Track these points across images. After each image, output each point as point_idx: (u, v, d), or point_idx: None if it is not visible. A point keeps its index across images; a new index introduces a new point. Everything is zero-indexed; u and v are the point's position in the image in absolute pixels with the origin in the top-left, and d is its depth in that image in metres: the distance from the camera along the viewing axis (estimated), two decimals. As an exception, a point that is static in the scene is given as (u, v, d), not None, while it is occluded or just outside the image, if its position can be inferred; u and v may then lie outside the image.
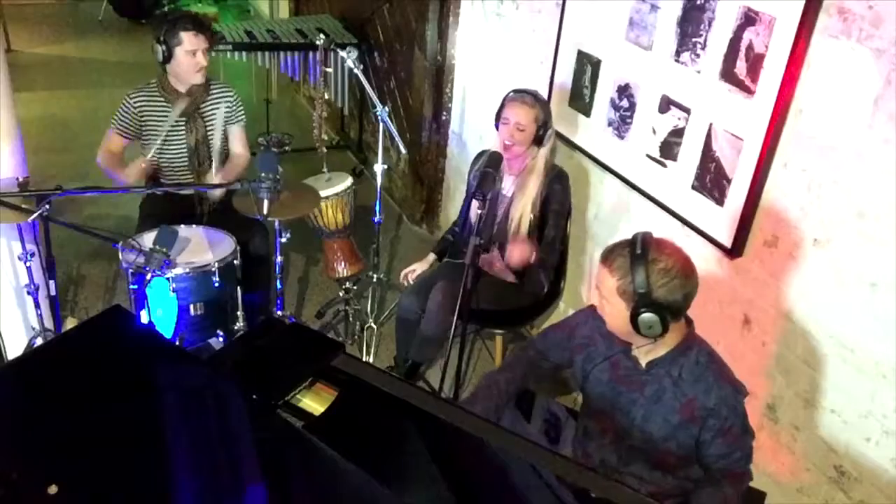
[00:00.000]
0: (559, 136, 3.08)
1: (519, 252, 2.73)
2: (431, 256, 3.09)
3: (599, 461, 2.03)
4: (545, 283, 2.93)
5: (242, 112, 3.24)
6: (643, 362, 1.90)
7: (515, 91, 2.74)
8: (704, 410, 1.81)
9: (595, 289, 1.84)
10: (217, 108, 3.13)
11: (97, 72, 6.30)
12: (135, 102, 3.03)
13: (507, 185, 2.85)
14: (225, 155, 3.24)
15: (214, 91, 3.14)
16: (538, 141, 2.72)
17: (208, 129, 3.12)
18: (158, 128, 3.04)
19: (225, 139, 3.21)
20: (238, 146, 3.26)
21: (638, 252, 1.71)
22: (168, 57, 2.95)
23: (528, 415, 2.50)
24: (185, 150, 3.09)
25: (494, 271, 2.96)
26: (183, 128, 3.07)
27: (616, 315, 1.80)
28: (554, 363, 2.18)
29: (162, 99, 3.04)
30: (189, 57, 2.95)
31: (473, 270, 2.32)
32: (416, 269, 3.03)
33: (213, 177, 3.07)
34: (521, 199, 2.78)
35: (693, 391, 1.83)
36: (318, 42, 3.56)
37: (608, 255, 1.78)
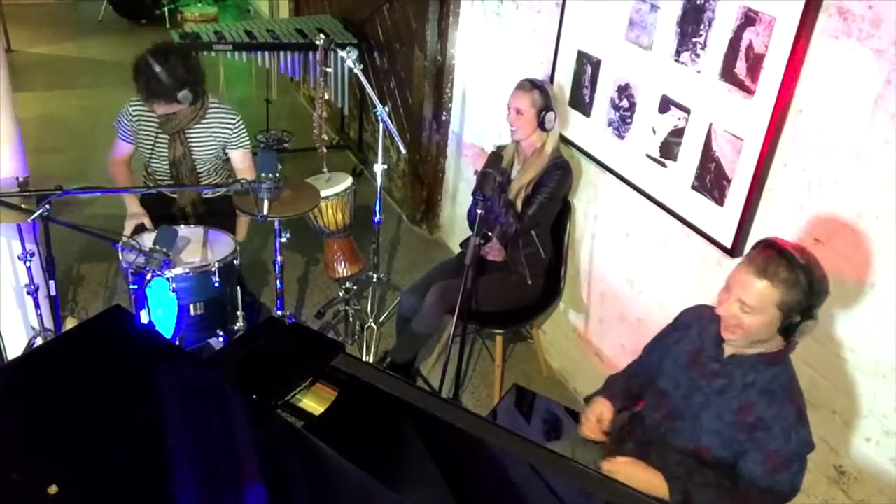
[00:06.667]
0: (560, 136, 3.08)
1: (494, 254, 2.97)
2: None
3: (644, 431, 2.03)
4: (524, 267, 2.93)
5: (245, 139, 3.14)
6: (727, 353, 1.88)
7: (521, 80, 2.86)
8: (758, 420, 1.77)
9: (736, 302, 1.76)
10: (209, 133, 3.06)
11: (97, 72, 6.30)
12: (133, 111, 3.04)
13: (516, 171, 2.92)
14: (220, 170, 3.21)
15: (210, 116, 3.05)
16: (541, 125, 2.78)
17: (192, 149, 3.06)
18: (147, 138, 3.06)
19: (221, 158, 3.17)
20: (242, 170, 3.19)
21: (800, 262, 1.70)
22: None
23: (528, 415, 2.50)
24: (167, 164, 3.08)
25: (490, 255, 3.01)
26: (166, 143, 3.05)
27: (763, 325, 1.75)
28: (646, 374, 2.17)
29: (152, 112, 3.01)
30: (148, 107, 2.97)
31: (474, 268, 2.32)
32: None
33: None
34: (521, 179, 2.85)
35: (756, 399, 1.80)
36: (318, 42, 3.55)
37: (766, 268, 1.71)
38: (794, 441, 1.75)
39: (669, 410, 1.97)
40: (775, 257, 1.71)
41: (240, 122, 3.11)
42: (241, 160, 3.18)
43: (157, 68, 2.84)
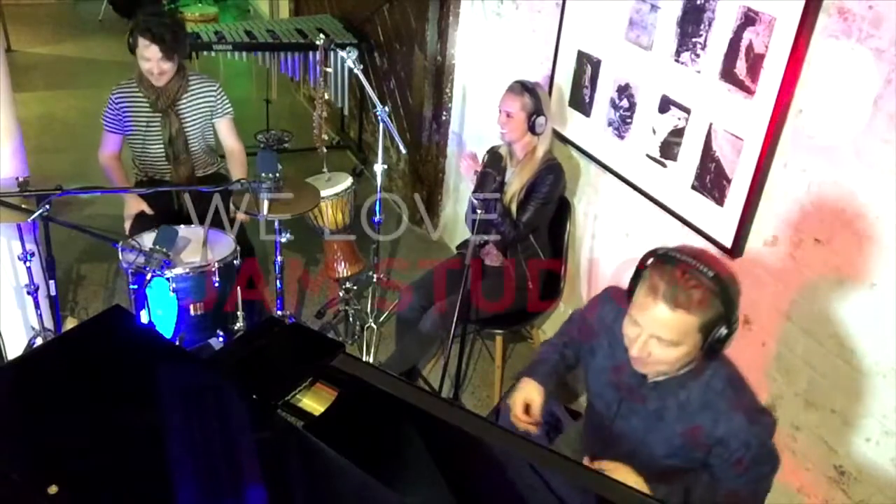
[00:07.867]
0: (560, 136, 3.09)
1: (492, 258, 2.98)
2: None
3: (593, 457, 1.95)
4: (524, 266, 2.94)
5: (228, 105, 3.22)
6: (650, 379, 1.73)
7: (513, 82, 2.85)
8: (711, 439, 1.64)
9: (651, 339, 1.58)
10: (196, 103, 3.14)
11: (97, 72, 6.30)
12: (116, 98, 3.07)
13: (510, 174, 2.91)
14: (210, 148, 3.29)
15: (193, 86, 3.12)
16: (532, 129, 2.78)
17: (184, 123, 3.13)
18: (138, 122, 3.09)
19: (211, 133, 3.25)
20: (231, 140, 3.26)
21: (708, 274, 1.51)
22: (133, 52, 3.02)
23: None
24: (161, 144, 3.13)
25: (488, 260, 3.02)
26: (159, 122, 3.10)
27: (687, 353, 1.58)
28: (577, 343, 2.02)
29: (140, 93, 3.07)
30: (143, 61, 2.98)
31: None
32: None
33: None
34: (514, 184, 2.85)
35: (699, 419, 1.65)
36: (318, 42, 3.56)
37: (675, 296, 1.50)
38: (755, 442, 1.62)
39: (613, 440, 1.83)
40: (680, 279, 1.51)
41: (220, 89, 3.19)
42: (227, 130, 3.24)
43: (156, 12, 2.98)
